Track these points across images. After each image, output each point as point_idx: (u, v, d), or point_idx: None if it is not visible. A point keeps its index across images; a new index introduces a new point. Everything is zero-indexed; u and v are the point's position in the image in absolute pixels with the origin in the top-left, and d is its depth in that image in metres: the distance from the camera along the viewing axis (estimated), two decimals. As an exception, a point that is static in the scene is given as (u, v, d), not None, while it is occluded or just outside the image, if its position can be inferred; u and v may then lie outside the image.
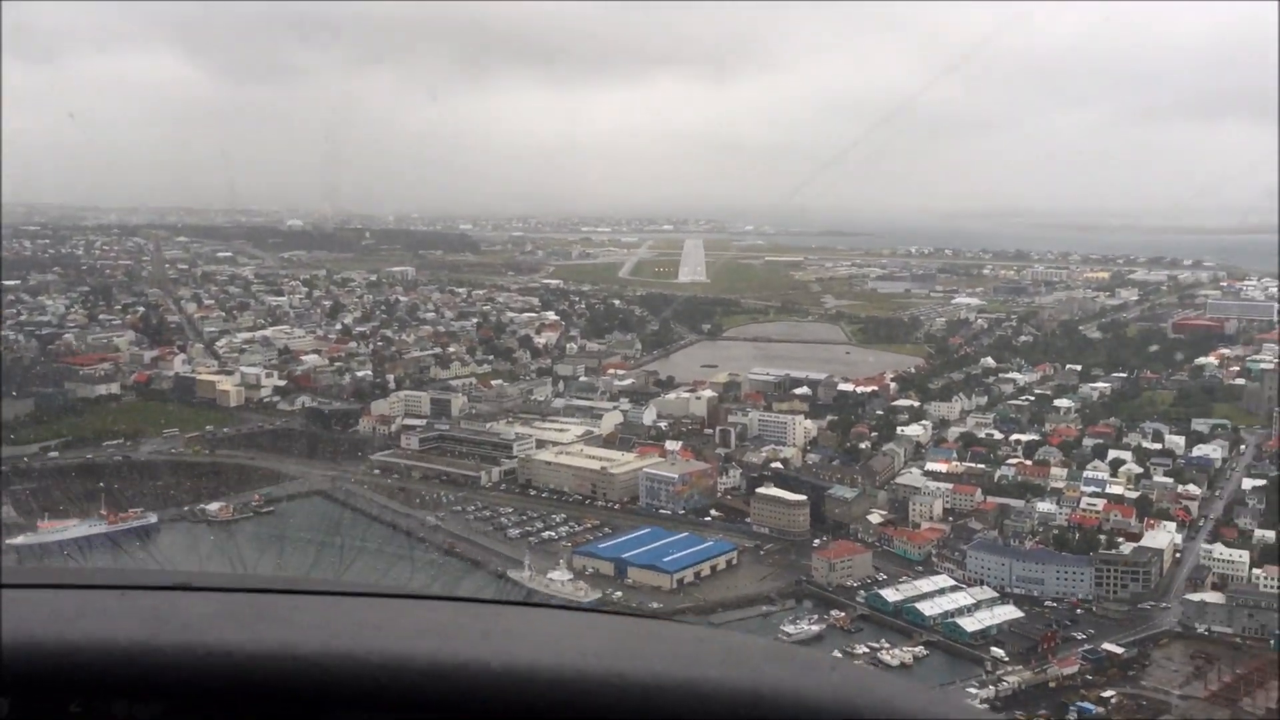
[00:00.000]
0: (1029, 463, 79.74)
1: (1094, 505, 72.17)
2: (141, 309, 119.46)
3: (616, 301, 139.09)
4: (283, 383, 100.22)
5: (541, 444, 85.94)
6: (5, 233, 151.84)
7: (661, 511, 76.94)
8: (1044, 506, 72.65)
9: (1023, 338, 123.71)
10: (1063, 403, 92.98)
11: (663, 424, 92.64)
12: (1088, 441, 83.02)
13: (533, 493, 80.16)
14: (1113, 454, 79.91)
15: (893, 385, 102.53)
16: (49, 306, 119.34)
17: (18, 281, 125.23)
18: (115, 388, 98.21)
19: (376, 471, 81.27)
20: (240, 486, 78.11)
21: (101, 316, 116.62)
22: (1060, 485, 75.99)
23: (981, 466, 79.13)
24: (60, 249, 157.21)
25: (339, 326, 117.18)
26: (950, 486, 75.59)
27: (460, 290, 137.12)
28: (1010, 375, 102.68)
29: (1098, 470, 77.54)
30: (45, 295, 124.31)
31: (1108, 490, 74.45)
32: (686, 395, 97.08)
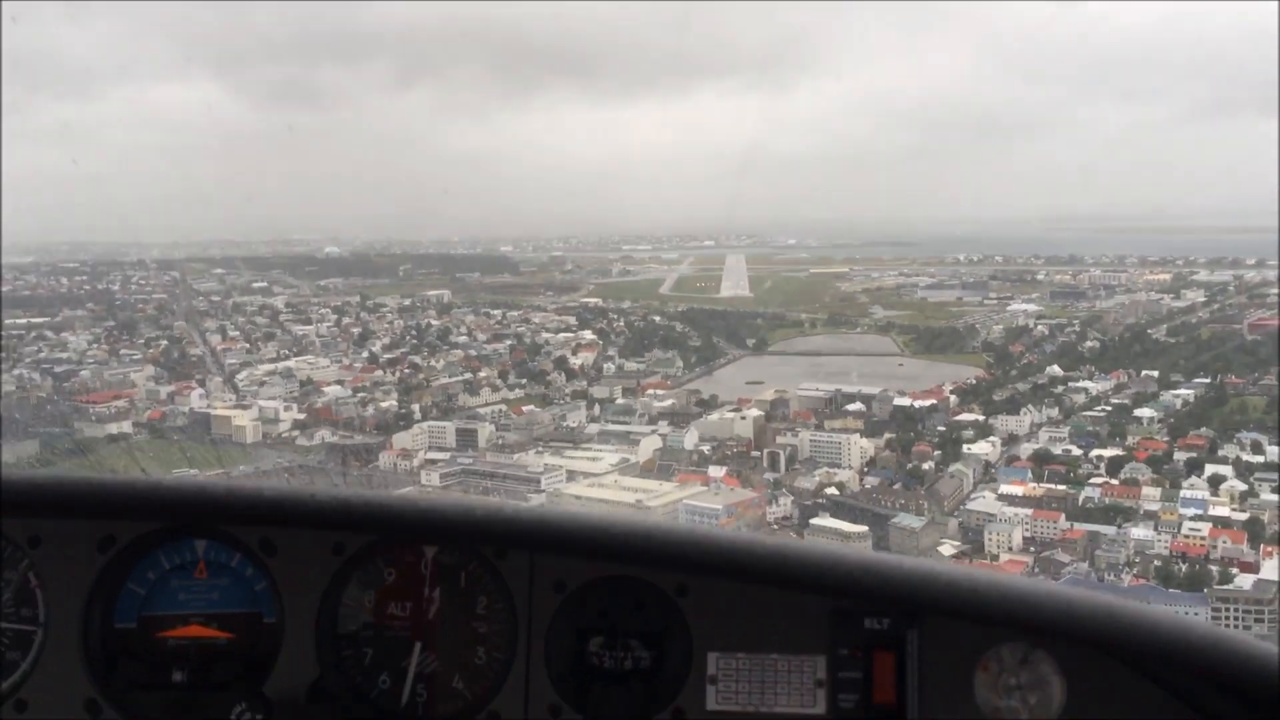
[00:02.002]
0: (1115, 482, 68.82)
1: (1197, 530, 61.04)
2: (165, 343, 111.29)
3: (657, 318, 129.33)
4: (302, 416, 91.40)
5: (573, 475, 76.28)
6: (43, 270, 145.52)
7: (705, 548, 67.01)
8: (1139, 533, 61.70)
9: (1088, 343, 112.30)
10: (1144, 412, 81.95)
11: (705, 447, 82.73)
12: (1179, 455, 71.96)
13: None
14: (1210, 469, 68.83)
15: (953, 397, 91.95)
16: (71, 343, 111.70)
17: (46, 319, 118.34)
18: (127, 426, 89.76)
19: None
20: (244, 532, 68.97)
21: (123, 352, 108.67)
22: (1154, 507, 64.95)
23: (1062, 488, 68.28)
24: (96, 285, 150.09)
25: (365, 354, 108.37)
26: (1029, 512, 64.89)
27: (495, 312, 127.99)
28: (1081, 384, 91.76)
29: (1195, 489, 66.42)
30: (69, 331, 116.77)
31: (1210, 512, 63.22)
32: (730, 415, 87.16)
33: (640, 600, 2.81)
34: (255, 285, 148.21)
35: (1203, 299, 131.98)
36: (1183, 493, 65.89)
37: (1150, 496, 66.31)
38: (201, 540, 3.07)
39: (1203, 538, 60.73)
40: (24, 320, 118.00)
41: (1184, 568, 58.38)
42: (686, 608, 2.75)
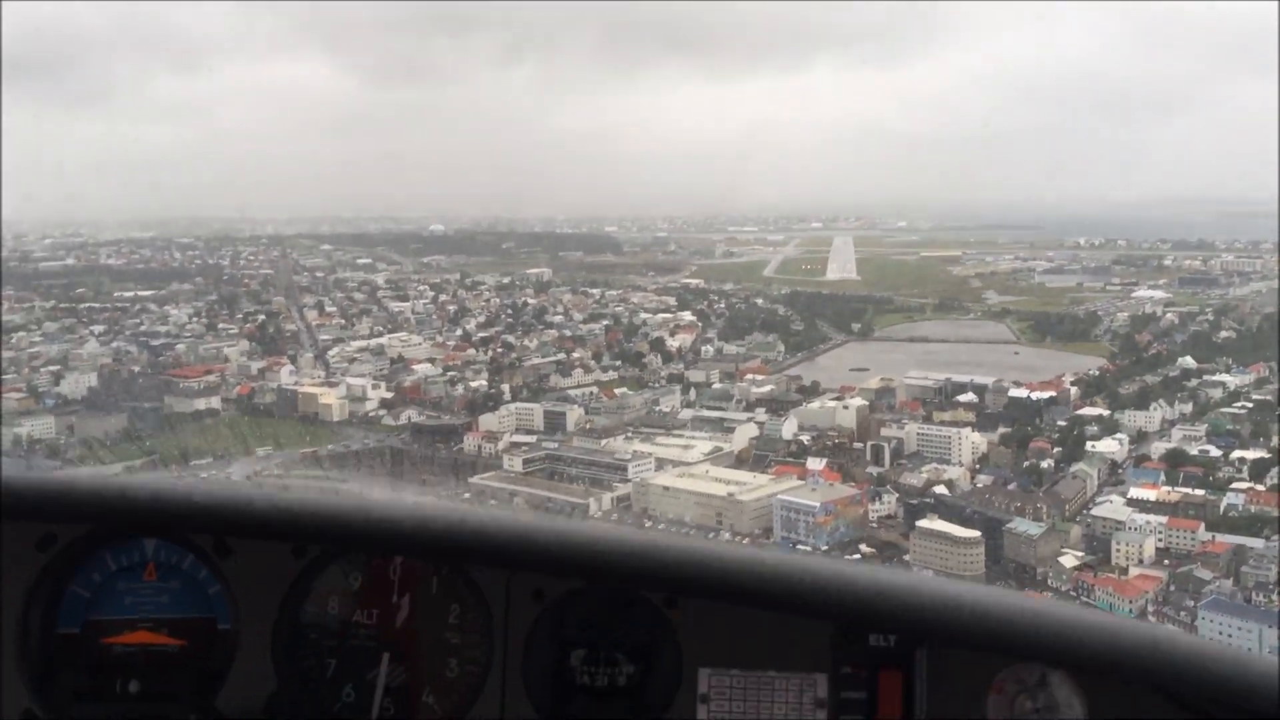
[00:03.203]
0: (1261, 488, 60.74)
1: (1360, 545, 53.16)
2: (262, 318, 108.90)
3: (759, 300, 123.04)
4: (390, 394, 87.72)
5: (662, 463, 71.00)
6: (158, 245, 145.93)
7: (800, 546, 60.89)
8: (1291, 548, 53.92)
9: (1223, 334, 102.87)
10: (1290, 410, 73.21)
11: (804, 437, 76.56)
12: (1333, 460, 63.53)
13: (648, 523, 64.93)
14: (1370, 475, 60.58)
15: (1073, 389, 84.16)
16: (172, 316, 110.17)
17: (153, 292, 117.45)
18: (216, 401, 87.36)
19: (467, 497, 67.36)
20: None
21: (220, 326, 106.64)
22: (1308, 518, 56.94)
23: (1200, 493, 60.48)
24: (208, 260, 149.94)
25: (459, 332, 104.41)
26: (1163, 520, 57.32)
27: (594, 291, 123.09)
28: (1217, 377, 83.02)
29: (1356, 498, 58.15)
30: (172, 305, 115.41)
31: (1375, 526, 55.21)
32: (833, 404, 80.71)
33: (626, 611, 2.55)
34: (360, 262, 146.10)
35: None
36: (1341, 502, 57.75)
37: (1303, 505, 58.30)
38: (151, 540, 2.77)
39: (1367, 554, 52.76)
40: (131, 294, 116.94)
41: (1347, 590, 50.49)
42: (677, 620, 2.50)
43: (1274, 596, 50.08)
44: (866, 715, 2.35)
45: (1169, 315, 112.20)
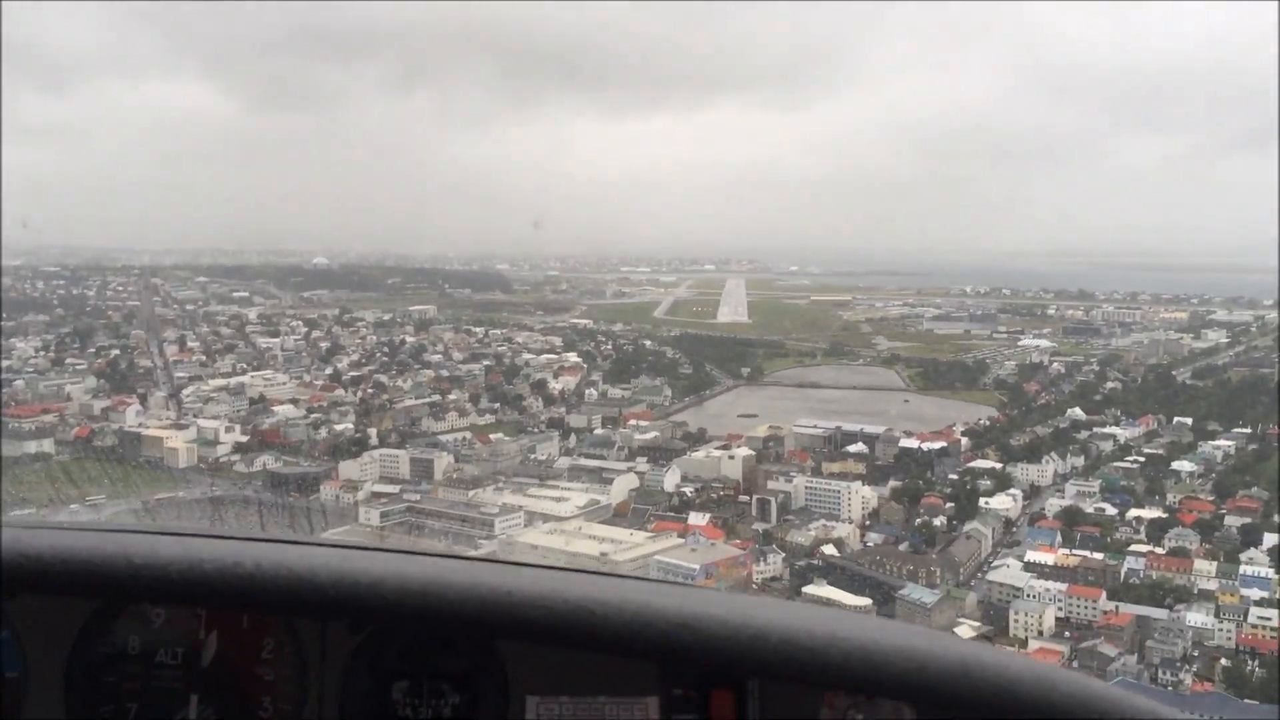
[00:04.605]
0: (1160, 551, 56.64)
1: (1267, 620, 48.74)
2: (116, 352, 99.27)
3: (648, 342, 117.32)
4: (245, 438, 79.45)
5: (534, 517, 64.35)
6: (22, 274, 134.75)
7: (678, 614, 54.75)
8: (1196, 618, 49.44)
9: (1109, 384, 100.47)
10: (1183, 465, 69.93)
11: (688, 489, 70.72)
12: (1230, 520, 59.85)
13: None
14: (1269, 538, 56.78)
15: (964, 440, 79.94)
16: (17, 350, 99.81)
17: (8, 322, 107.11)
18: (49, 444, 77.87)
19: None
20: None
21: (69, 360, 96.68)
22: (1210, 585, 52.76)
23: (1099, 556, 55.99)
24: (72, 290, 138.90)
25: (329, 371, 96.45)
26: (1063, 587, 52.48)
27: (477, 330, 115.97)
28: (1107, 430, 79.59)
29: (1256, 563, 54.15)
30: (19, 337, 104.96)
31: (1279, 594, 51.20)
32: (718, 454, 75.02)
33: (450, 639, 2.37)
34: (236, 295, 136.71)
35: (1225, 340, 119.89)
36: (1242, 568, 53.53)
37: (1204, 571, 54.00)
38: None
39: (1274, 628, 48.43)
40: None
41: (1256, 669, 45.91)
42: (502, 647, 2.34)
43: (1181, 675, 45.35)
44: None
45: (1055, 365, 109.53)
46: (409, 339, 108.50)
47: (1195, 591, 52.23)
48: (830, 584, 52.58)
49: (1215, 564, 54.18)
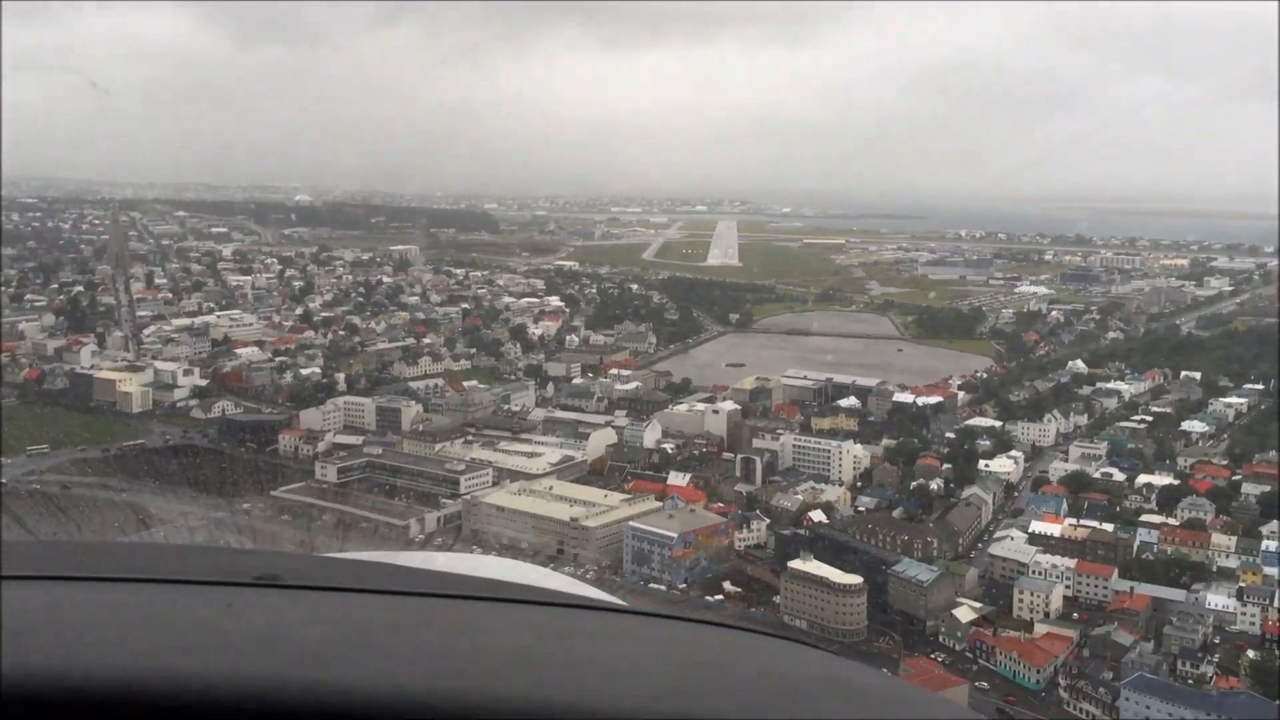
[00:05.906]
0: (1174, 522, 51.47)
1: (1296, 604, 43.72)
2: (79, 289, 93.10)
3: (634, 286, 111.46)
4: (204, 382, 73.80)
5: (503, 474, 59.07)
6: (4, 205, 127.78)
7: (653, 585, 49.63)
8: (1216, 600, 44.36)
9: (1111, 334, 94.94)
10: (1193, 425, 64.71)
11: (668, 445, 65.34)
12: (1248, 488, 54.57)
13: (477, 550, 52.75)
14: (1292, 510, 51.50)
15: (961, 394, 74.56)
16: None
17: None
18: (-5, 386, 72.32)
19: (270, 514, 54.26)
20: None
21: (28, 297, 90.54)
22: (1231, 564, 47.74)
23: (1108, 527, 50.88)
24: (47, 223, 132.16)
25: (300, 312, 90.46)
26: (1071, 563, 47.41)
27: (457, 271, 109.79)
28: (1112, 385, 74.10)
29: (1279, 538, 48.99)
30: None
31: (1307, 575, 46.02)
32: (702, 408, 69.62)
33: None
34: (214, 230, 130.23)
35: (1229, 288, 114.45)
36: (1264, 544, 48.39)
37: (1222, 546, 48.86)
38: None
39: (1304, 616, 43.35)
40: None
41: (1286, 661, 40.81)
42: None
43: (1202, 667, 40.27)
44: None
45: (1054, 312, 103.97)
46: (386, 279, 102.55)
47: (1214, 569, 47.23)
48: (818, 558, 47.33)
49: (1234, 539, 49.14)
